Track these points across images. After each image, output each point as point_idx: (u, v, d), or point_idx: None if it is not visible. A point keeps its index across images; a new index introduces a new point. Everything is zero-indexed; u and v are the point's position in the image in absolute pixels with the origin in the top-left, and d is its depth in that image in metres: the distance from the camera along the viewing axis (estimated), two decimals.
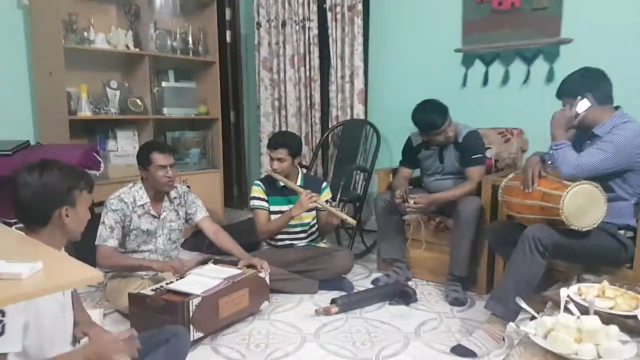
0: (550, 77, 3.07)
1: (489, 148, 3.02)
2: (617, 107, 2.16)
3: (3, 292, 0.87)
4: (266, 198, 2.84)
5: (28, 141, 2.89)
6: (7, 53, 3.27)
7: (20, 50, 3.32)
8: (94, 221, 1.90)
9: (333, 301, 2.53)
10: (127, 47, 3.51)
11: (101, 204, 2.48)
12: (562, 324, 1.33)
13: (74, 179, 1.48)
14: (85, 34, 3.37)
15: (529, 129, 3.11)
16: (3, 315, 1.19)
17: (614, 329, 1.31)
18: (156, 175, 2.45)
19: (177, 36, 3.88)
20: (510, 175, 2.32)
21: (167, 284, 2.25)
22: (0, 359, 1.21)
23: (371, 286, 2.84)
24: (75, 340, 1.51)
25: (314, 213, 2.86)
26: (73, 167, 1.53)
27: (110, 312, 2.50)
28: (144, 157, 2.48)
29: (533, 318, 1.50)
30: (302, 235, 2.89)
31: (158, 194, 2.55)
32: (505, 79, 3.26)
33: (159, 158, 2.44)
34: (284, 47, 4.11)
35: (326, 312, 2.47)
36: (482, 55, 3.32)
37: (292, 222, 2.77)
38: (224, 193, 4.19)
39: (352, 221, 2.61)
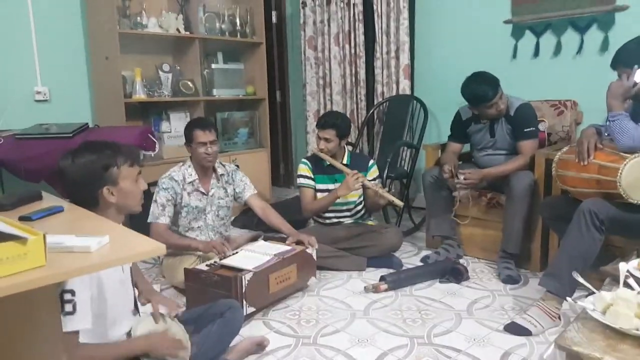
0: (604, 46, 2.92)
1: (541, 121, 2.91)
2: None
3: (75, 264, 0.92)
4: (312, 176, 2.87)
5: (87, 124, 3.00)
6: (66, 39, 3.42)
7: (78, 36, 3.47)
8: (147, 200, 1.95)
9: (382, 278, 2.54)
10: (178, 30, 3.60)
11: (156, 183, 2.58)
12: (622, 299, 1.28)
13: (107, 158, 1.47)
14: (138, 18, 3.47)
15: (583, 101, 2.98)
16: (73, 295, 1.25)
17: None
18: (197, 152, 2.54)
19: (225, 18, 3.94)
20: (565, 149, 2.24)
21: (220, 259, 2.32)
22: (72, 336, 1.27)
23: (420, 264, 2.83)
24: (137, 310, 1.59)
25: (360, 191, 2.85)
26: (107, 145, 1.51)
27: (167, 287, 2.60)
28: (188, 134, 2.58)
29: (589, 295, 1.46)
30: (348, 213, 2.90)
31: (205, 171, 2.63)
32: (558, 50, 3.12)
33: (199, 135, 2.53)
34: (329, 25, 4.08)
35: (375, 289, 2.48)
36: (533, 26, 3.19)
37: (339, 201, 2.78)
38: (271, 172, 4.26)
39: (399, 203, 2.59)
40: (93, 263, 0.94)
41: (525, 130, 2.64)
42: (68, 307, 1.24)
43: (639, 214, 1.95)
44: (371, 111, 3.90)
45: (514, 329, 2.05)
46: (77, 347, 1.29)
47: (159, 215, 2.49)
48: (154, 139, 2.93)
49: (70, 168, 1.44)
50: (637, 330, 1.22)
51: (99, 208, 1.46)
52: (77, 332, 1.28)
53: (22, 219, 1.22)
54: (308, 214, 2.91)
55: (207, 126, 2.58)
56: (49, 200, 1.50)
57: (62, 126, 2.89)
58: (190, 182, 2.57)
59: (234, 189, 2.72)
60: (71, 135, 2.77)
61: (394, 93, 3.80)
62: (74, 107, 3.46)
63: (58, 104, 3.39)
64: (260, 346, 1.95)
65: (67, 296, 1.24)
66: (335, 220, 2.90)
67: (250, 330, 2.12)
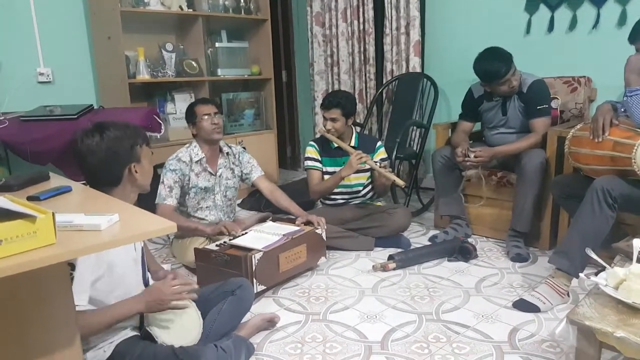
0: (622, 20, 2.84)
1: (554, 98, 2.86)
2: None
3: (85, 242, 0.92)
4: (320, 159, 2.85)
5: (92, 105, 2.98)
6: (67, 19, 3.38)
7: (79, 16, 3.42)
8: (154, 181, 1.97)
9: (390, 257, 2.54)
10: (181, 8, 3.54)
11: (162, 165, 2.57)
12: (635, 274, 1.29)
13: (133, 136, 1.51)
14: None
15: (597, 77, 2.92)
16: (73, 269, 1.26)
17: None
18: (203, 125, 2.53)
19: None
20: (579, 126, 2.21)
21: (230, 239, 2.34)
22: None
23: (429, 243, 2.82)
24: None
25: (368, 173, 2.83)
26: (127, 124, 1.55)
27: (177, 266, 2.62)
28: (190, 114, 2.59)
29: (599, 272, 1.45)
30: (357, 195, 2.89)
31: (212, 150, 2.62)
32: (573, 24, 3.04)
33: (203, 108, 2.56)
34: (337, 0, 4.00)
35: (384, 267, 2.48)
36: (547, 0, 3.10)
37: (348, 183, 2.77)
38: (278, 154, 4.23)
39: (400, 183, 2.55)
40: (103, 241, 0.94)
41: (538, 107, 2.60)
42: None
43: None
44: (380, 90, 3.85)
45: (522, 305, 2.04)
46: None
47: (166, 196, 2.49)
48: (160, 121, 2.92)
49: (99, 146, 1.45)
50: None
51: (118, 188, 1.49)
52: None
53: (30, 198, 1.21)
54: (315, 195, 2.90)
55: (208, 100, 2.66)
56: (57, 180, 1.50)
57: (67, 108, 2.87)
58: (197, 161, 2.56)
59: (242, 170, 2.72)
60: (76, 116, 2.76)
61: (404, 71, 3.74)
62: (78, 88, 3.43)
63: (61, 85, 3.37)
64: (270, 322, 1.98)
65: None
66: (342, 202, 2.89)
67: (261, 308, 2.14)
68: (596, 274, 1.44)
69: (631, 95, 1.95)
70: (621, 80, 2.01)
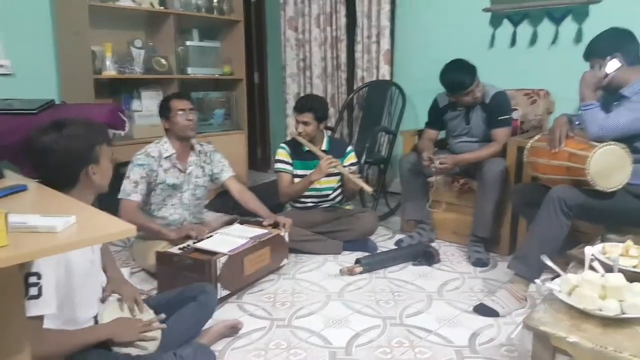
0: (578, 37, 2.96)
1: (515, 109, 2.95)
2: None
3: (39, 245, 0.89)
4: (291, 161, 2.85)
5: (53, 100, 2.87)
6: (31, 11, 3.26)
7: (44, 8, 3.31)
8: (114, 180, 1.90)
9: (357, 261, 2.56)
10: (152, 5, 3.48)
11: (126, 164, 2.49)
12: (587, 281, 1.33)
13: (93, 135, 1.44)
14: None
15: (556, 91, 3.03)
16: (39, 278, 1.20)
17: (638, 285, 1.30)
18: (178, 121, 2.49)
19: None
20: (537, 137, 2.29)
21: (194, 242, 2.29)
22: (37, 321, 1.22)
23: (395, 247, 2.86)
24: (103, 299, 1.54)
25: (338, 177, 2.85)
26: (88, 122, 1.48)
27: (137, 270, 2.56)
28: (164, 108, 2.54)
29: (555, 278, 1.50)
30: (326, 198, 2.90)
31: (183, 147, 2.57)
32: (534, 40, 3.15)
33: (177, 103, 2.51)
34: (310, 6, 4.03)
35: (350, 271, 2.50)
36: (511, 15, 3.21)
37: (318, 186, 2.78)
38: (248, 155, 4.21)
39: (368, 189, 2.57)
40: (59, 244, 0.91)
41: (499, 118, 2.68)
42: (33, 291, 1.20)
43: (605, 201, 2.00)
44: (350, 96, 3.88)
45: (482, 310, 2.10)
46: (40, 332, 1.25)
47: (131, 192, 2.40)
48: (124, 118, 2.86)
49: (56, 145, 1.38)
50: (600, 310, 1.27)
51: (75, 188, 1.42)
52: (41, 317, 1.24)
53: None
54: (285, 198, 2.90)
55: (183, 95, 2.60)
56: (12, 178, 1.41)
57: (26, 102, 2.76)
58: (167, 158, 2.50)
59: (212, 170, 2.67)
60: (36, 111, 2.66)
61: (374, 78, 3.79)
62: (40, 82, 3.30)
63: (22, 79, 3.23)
64: (233, 329, 1.94)
65: (33, 279, 1.20)
66: (311, 205, 2.90)
67: (224, 314, 2.11)
68: (552, 280, 1.49)
69: (585, 110, 2.03)
70: (577, 93, 2.09)
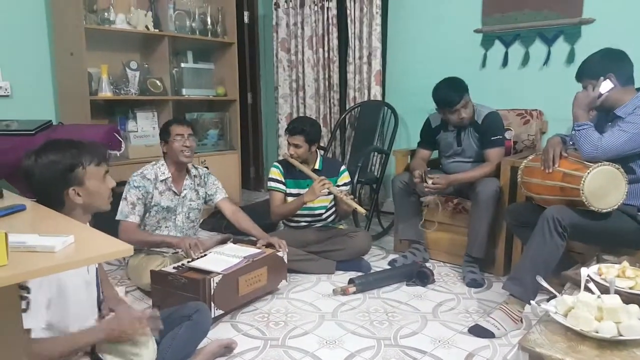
0: (571, 58, 3.01)
1: (508, 129, 2.99)
2: (638, 89, 2.12)
3: (38, 264, 0.90)
4: (284, 180, 2.86)
5: (50, 121, 2.91)
6: (29, 34, 3.30)
7: (42, 30, 3.35)
8: (117, 198, 1.91)
9: (351, 281, 2.55)
10: (147, 27, 3.52)
11: (123, 183, 2.50)
12: (583, 302, 1.33)
13: (72, 158, 1.43)
14: (106, 14, 3.38)
15: (548, 111, 3.07)
16: (28, 292, 1.22)
17: (634, 307, 1.31)
18: (174, 146, 2.51)
19: (196, 17, 3.89)
20: (530, 157, 2.31)
21: (188, 262, 2.29)
22: (24, 335, 1.22)
23: (388, 267, 2.86)
24: (101, 316, 1.54)
25: (331, 197, 2.86)
26: (72, 144, 1.46)
27: (132, 289, 2.55)
28: (164, 131, 2.57)
29: (551, 299, 1.50)
30: (319, 218, 2.90)
31: (179, 171, 2.59)
32: (525, 60, 3.20)
33: (177, 128, 2.54)
34: (302, 28, 4.09)
35: (344, 291, 2.49)
36: (502, 36, 3.26)
37: (311, 205, 2.78)
38: (241, 174, 4.22)
39: (362, 211, 2.58)
40: (57, 263, 0.91)
41: (492, 138, 2.71)
42: (22, 305, 1.21)
43: (599, 221, 2.02)
44: (342, 116, 3.92)
45: (477, 331, 2.09)
46: (29, 343, 1.25)
47: (129, 213, 2.44)
48: (120, 138, 2.88)
49: (34, 169, 1.40)
50: (597, 332, 1.27)
51: (65, 208, 1.43)
52: (29, 331, 1.25)
53: None
54: (276, 217, 2.90)
55: (184, 121, 2.64)
56: (10, 198, 1.44)
57: (24, 123, 2.79)
58: (162, 181, 2.53)
59: (206, 192, 2.70)
60: (33, 132, 2.69)
61: (366, 98, 3.84)
62: (37, 103, 3.34)
63: (20, 100, 3.26)
64: (227, 349, 1.94)
65: (22, 293, 1.21)
66: (304, 224, 2.90)
67: (218, 333, 2.10)
68: (548, 301, 1.49)
69: (579, 130, 2.06)
70: (570, 113, 2.12)
